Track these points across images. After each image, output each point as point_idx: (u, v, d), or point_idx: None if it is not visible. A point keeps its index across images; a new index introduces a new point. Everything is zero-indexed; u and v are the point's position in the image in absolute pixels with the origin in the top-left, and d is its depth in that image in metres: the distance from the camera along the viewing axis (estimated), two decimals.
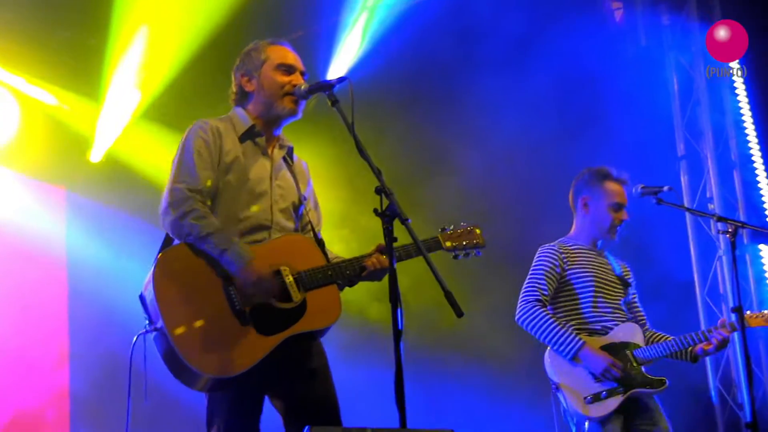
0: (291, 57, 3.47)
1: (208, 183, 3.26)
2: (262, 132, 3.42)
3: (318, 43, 6.57)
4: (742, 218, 6.56)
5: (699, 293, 6.72)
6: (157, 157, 6.22)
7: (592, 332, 4.33)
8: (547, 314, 4.27)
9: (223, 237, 3.15)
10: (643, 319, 4.57)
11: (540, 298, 4.31)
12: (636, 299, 4.60)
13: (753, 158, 6.87)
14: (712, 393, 6.54)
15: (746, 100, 6.91)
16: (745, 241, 6.59)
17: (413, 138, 6.92)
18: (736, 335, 4.32)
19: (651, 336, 4.48)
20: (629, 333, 4.33)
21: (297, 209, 3.45)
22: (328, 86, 3.20)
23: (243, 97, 3.47)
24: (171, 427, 5.77)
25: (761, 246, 6.70)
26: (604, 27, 6.93)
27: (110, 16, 6.01)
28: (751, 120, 6.90)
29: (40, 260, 6.13)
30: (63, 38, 6.18)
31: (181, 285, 3.14)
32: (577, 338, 4.20)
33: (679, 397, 5.94)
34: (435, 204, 6.62)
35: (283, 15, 6.30)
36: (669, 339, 4.38)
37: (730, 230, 4.20)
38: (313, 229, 3.46)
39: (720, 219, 4.31)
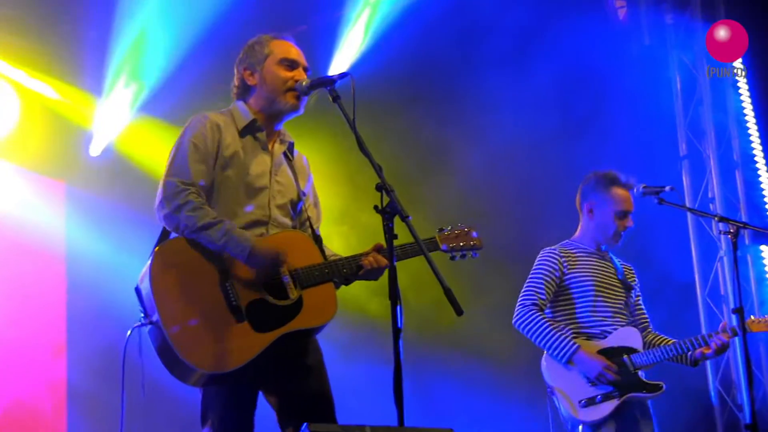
0: (294, 52, 3.45)
1: (201, 178, 3.24)
2: (263, 127, 3.40)
3: (320, 38, 6.54)
4: (743, 219, 6.54)
5: (699, 294, 6.70)
6: (157, 151, 6.19)
7: (590, 336, 4.34)
8: (543, 318, 4.30)
9: (221, 228, 3.13)
10: (646, 322, 4.57)
11: (537, 302, 4.33)
12: (640, 302, 4.60)
13: (755, 158, 6.85)
14: (712, 394, 6.53)
15: (749, 100, 6.89)
16: (747, 241, 6.57)
17: (414, 135, 6.90)
18: (736, 338, 4.31)
19: (653, 339, 4.48)
20: (628, 337, 4.34)
21: (296, 205, 3.43)
22: (330, 82, 3.18)
23: (245, 91, 3.45)
24: (166, 420, 5.77)
25: (762, 247, 6.69)
26: (607, 25, 6.90)
27: (111, 10, 5.99)
28: (754, 120, 6.89)
29: (39, 253, 6.12)
30: (64, 31, 6.15)
31: (177, 279, 3.12)
32: (571, 342, 4.22)
33: (678, 398, 5.94)
34: (435, 202, 6.60)
35: (286, 9, 6.27)
36: (670, 342, 4.38)
37: (731, 231, 4.20)
38: (311, 226, 3.44)
39: (722, 219, 4.32)
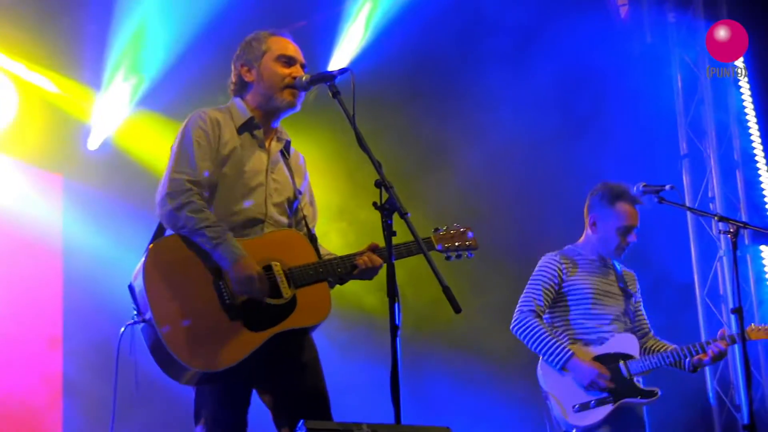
0: (292, 48, 3.43)
1: (207, 174, 3.23)
2: (260, 124, 3.39)
3: (320, 33, 6.52)
4: (743, 218, 6.53)
5: (698, 293, 6.69)
6: (156, 145, 6.18)
7: (587, 342, 4.39)
8: (540, 324, 4.35)
9: (218, 231, 3.13)
10: (646, 328, 4.61)
11: (535, 309, 4.38)
12: (640, 307, 4.65)
13: (756, 158, 6.83)
14: (710, 395, 6.52)
15: (750, 99, 6.86)
16: (746, 241, 6.56)
17: (414, 132, 6.89)
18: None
19: (653, 344, 4.53)
20: (624, 344, 4.38)
21: (292, 204, 3.43)
22: (330, 77, 3.17)
23: (242, 88, 3.44)
24: (160, 416, 5.75)
25: (762, 247, 6.67)
26: (608, 23, 6.88)
27: (111, 3, 5.96)
28: (755, 119, 6.86)
29: (36, 247, 6.11)
30: (63, 24, 6.13)
31: (171, 277, 3.11)
32: (566, 349, 4.27)
33: (676, 399, 5.92)
34: (434, 199, 6.59)
35: (286, 4, 6.25)
36: (669, 348, 4.42)
37: (731, 230, 4.19)
38: (307, 225, 3.44)
39: (721, 219, 4.32)
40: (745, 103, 6.87)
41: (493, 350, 6.31)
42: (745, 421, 4.63)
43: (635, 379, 4.33)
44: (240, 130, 3.35)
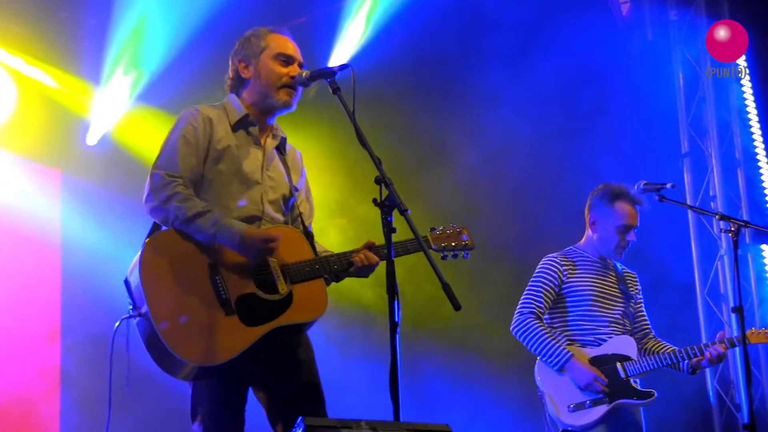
0: (291, 47, 3.41)
1: (189, 171, 3.22)
2: (256, 121, 3.38)
3: (321, 29, 6.50)
4: (744, 217, 6.51)
5: (699, 292, 6.67)
6: (155, 140, 6.15)
7: (584, 344, 4.42)
8: (540, 326, 4.38)
9: (211, 217, 3.12)
10: (647, 329, 4.63)
11: (534, 311, 4.41)
12: (641, 309, 4.66)
13: (757, 156, 6.81)
14: (710, 394, 6.50)
15: (752, 97, 6.84)
16: (747, 240, 6.54)
17: (414, 129, 6.87)
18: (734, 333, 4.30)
19: (653, 346, 4.54)
20: (622, 345, 4.40)
21: (288, 201, 3.42)
22: (330, 73, 3.15)
23: (239, 84, 3.42)
24: (155, 413, 5.73)
25: (763, 246, 6.65)
26: (610, 21, 6.85)
27: None
28: (757, 118, 6.84)
29: (35, 241, 6.10)
30: (62, 19, 6.11)
31: (167, 271, 3.10)
32: (564, 350, 4.31)
33: (676, 398, 5.92)
34: (435, 196, 6.58)
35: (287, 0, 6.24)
36: (669, 350, 4.43)
37: (732, 229, 4.18)
38: (303, 222, 3.43)
39: (723, 218, 4.30)
40: (746, 101, 6.85)
41: (492, 348, 6.30)
42: (746, 420, 4.62)
43: (632, 380, 4.35)
44: (235, 127, 3.34)
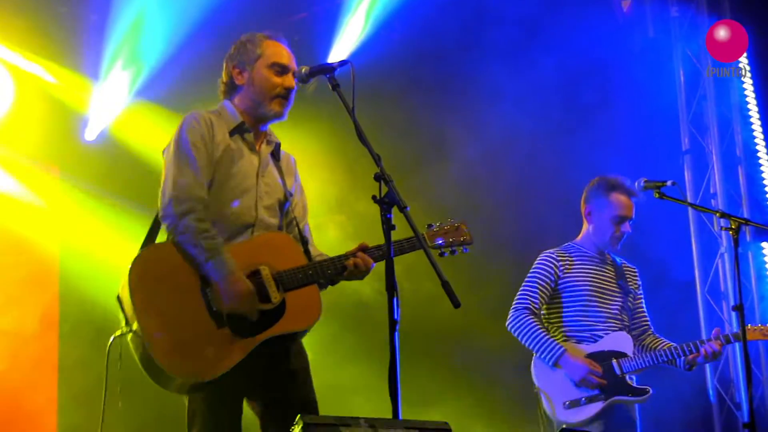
0: (286, 56, 3.39)
1: (208, 177, 3.22)
2: (251, 128, 3.38)
3: (320, 25, 6.48)
4: (745, 215, 6.50)
5: (699, 290, 6.65)
6: (154, 136, 6.13)
7: (580, 340, 4.44)
8: (534, 321, 4.40)
9: (214, 245, 3.11)
10: (645, 325, 4.63)
11: (530, 306, 4.44)
12: (641, 304, 4.66)
13: (758, 154, 6.79)
14: (710, 393, 6.49)
15: (753, 95, 6.82)
16: (748, 238, 6.53)
17: (414, 125, 6.85)
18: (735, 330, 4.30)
19: (651, 342, 4.55)
20: (618, 342, 4.41)
21: (283, 205, 3.41)
22: (330, 69, 3.14)
23: (231, 89, 3.41)
24: (153, 420, 5.70)
25: (763, 244, 6.64)
26: (611, 17, 6.83)
27: None
28: (758, 115, 6.82)
29: (32, 239, 6.09)
30: (61, 14, 6.09)
31: (157, 286, 3.10)
32: (558, 345, 4.32)
33: (676, 396, 5.91)
34: (435, 192, 6.55)
35: None
36: (665, 347, 4.43)
37: (732, 227, 4.16)
38: (297, 226, 3.41)
39: (723, 215, 4.28)
40: (747, 99, 6.83)
41: (492, 345, 6.28)
42: (746, 419, 4.61)
43: (627, 377, 4.36)
44: (231, 133, 3.33)
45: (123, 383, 3.17)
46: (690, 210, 6.63)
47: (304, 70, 3.27)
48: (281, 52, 3.38)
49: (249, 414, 3.27)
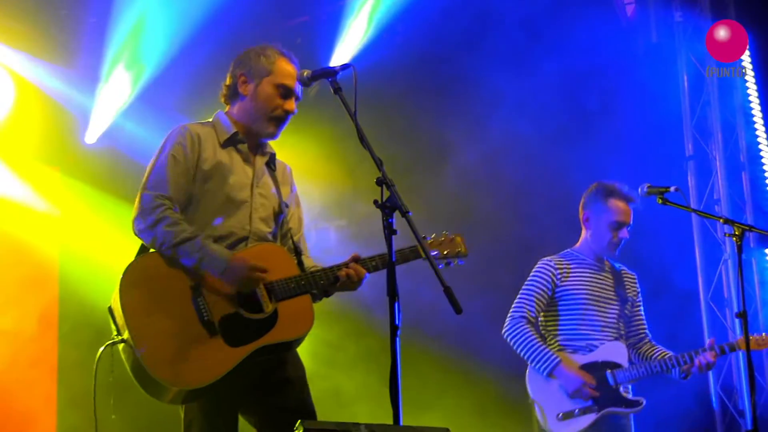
0: (292, 80, 3.36)
1: (179, 191, 3.19)
2: (245, 139, 3.36)
3: (322, 28, 6.47)
4: (749, 221, 6.46)
5: (702, 296, 6.62)
6: (154, 139, 6.12)
7: (575, 349, 4.45)
8: (530, 331, 4.41)
9: (197, 243, 3.09)
10: (642, 333, 4.63)
11: (526, 315, 4.45)
12: (639, 311, 4.66)
13: (762, 160, 6.76)
14: (713, 399, 6.46)
15: (757, 100, 6.79)
16: (752, 244, 6.50)
17: (416, 129, 6.84)
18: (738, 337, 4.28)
19: (647, 350, 4.56)
20: (613, 352, 4.43)
21: (278, 217, 3.39)
22: (332, 73, 3.13)
23: (233, 95, 3.39)
24: (146, 424, 5.68)
25: (767, 250, 6.61)
26: (614, 22, 6.81)
27: None
28: (762, 121, 6.79)
29: (33, 241, 6.08)
30: (62, 16, 6.08)
31: (148, 296, 3.09)
32: (553, 356, 4.34)
33: (679, 402, 5.88)
34: (436, 196, 6.54)
35: None
36: (660, 357, 4.44)
37: (736, 233, 4.13)
38: (292, 238, 3.40)
39: (726, 221, 4.25)
40: (752, 105, 6.79)
41: (493, 351, 6.26)
42: (749, 426, 4.58)
43: (622, 388, 4.38)
44: (224, 145, 3.32)
45: (116, 393, 3.15)
46: (693, 216, 6.60)
47: (306, 73, 3.24)
48: (291, 74, 3.35)
49: (246, 429, 3.25)
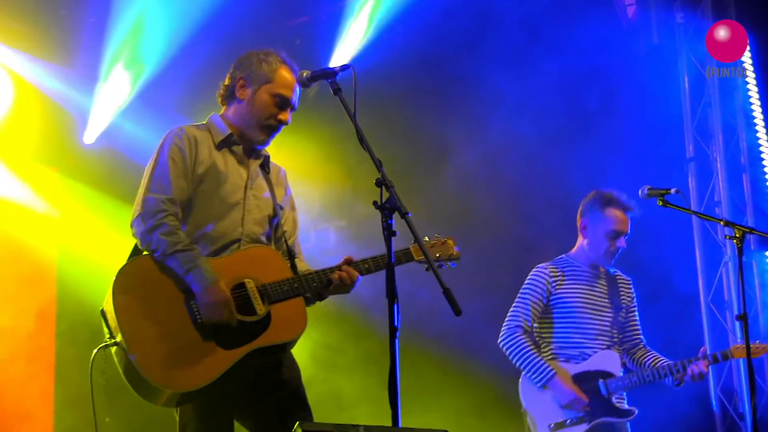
0: (291, 91, 3.35)
1: (181, 193, 3.19)
2: (239, 141, 3.35)
3: (322, 28, 6.46)
4: (750, 223, 6.44)
5: (703, 299, 6.61)
6: (153, 139, 6.11)
7: (568, 358, 4.47)
8: (526, 341, 4.43)
9: (189, 256, 3.09)
10: (637, 339, 4.65)
11: (522, 324, 4.47)
12: (634, 317, 4.67)
13: (763, 162, 6.74)
14: (713, 402, 6.44)
15: (758, 102, 6.77)
16: (752, 246, 6.48)
17: (416, 130, 6.83)
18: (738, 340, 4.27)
19: (641, 356, 4.57)
20: (606, 361, 4.44)
21: (272, 219, 3.39)
22: (332, 74, 3.12)
23: (230, 96, 3.39)
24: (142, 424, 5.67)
25: None
26: (615, 23, 6.80)
27: None
28: (763, 123, 6.77)
29: (31, 242, 6.08)
30: (61, 16, 6.07)
31: (141, 298, 3.08)
32: (548, 368, 4.36)
33: (679, 405, 5.86)
34: (436, 197, 6.53)
35: None
36: (654, 364, 4.46)
37: (737, 235, 4.11)
38: (286, 242, 3.40)
39: (727, 224, 4.25)
40: (753, 107, 6.77)
41: (491, 353, 6.24)
42: (749, 429, 4.58)
43: (615, 397, 4.39)
44: (219, 146, 3.31)
45: (109, 395, 3.14)
46: (694, 218, 6.59)
47: (305, 74, 3.23)
48: (291, 85, 3.35)
49: None
